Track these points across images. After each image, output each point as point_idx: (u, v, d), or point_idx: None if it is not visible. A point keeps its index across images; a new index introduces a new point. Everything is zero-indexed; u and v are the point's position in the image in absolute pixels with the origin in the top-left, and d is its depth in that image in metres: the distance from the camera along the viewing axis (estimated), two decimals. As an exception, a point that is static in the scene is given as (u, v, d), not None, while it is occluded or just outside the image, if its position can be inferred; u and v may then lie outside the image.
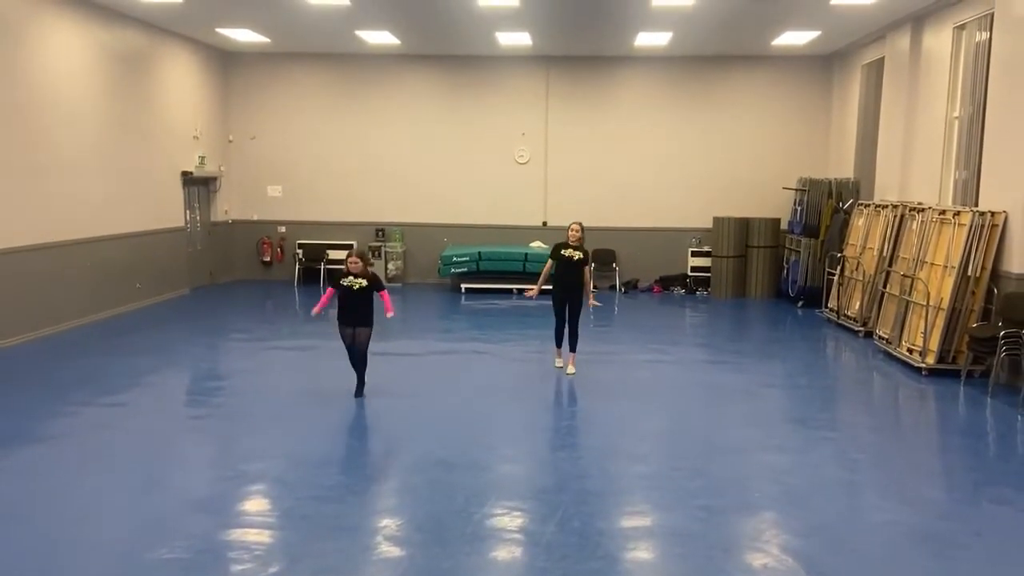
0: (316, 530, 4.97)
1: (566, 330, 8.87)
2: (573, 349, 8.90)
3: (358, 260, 7.64)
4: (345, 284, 7.65)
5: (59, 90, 10.87)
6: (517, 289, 14.68)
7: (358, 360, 7.85)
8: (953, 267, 9.15)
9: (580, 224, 8.78)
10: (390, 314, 7.99)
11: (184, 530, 4.95)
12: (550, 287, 9.04)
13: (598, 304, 10.27)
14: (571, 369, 8.87)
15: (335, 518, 5.16)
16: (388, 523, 5.18)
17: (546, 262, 9.05)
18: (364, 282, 7.64)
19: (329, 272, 15.14)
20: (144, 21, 12.71)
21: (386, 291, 7.94)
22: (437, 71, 15.75)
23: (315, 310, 7.97)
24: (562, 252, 8.74)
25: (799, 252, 14.00)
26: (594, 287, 11.78)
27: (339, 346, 7.98)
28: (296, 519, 5.16)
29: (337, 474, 5.99)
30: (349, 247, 15.75)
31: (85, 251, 11.39)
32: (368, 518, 5.26)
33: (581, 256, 8.71)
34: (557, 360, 9.09)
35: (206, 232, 15.41)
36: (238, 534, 4.98)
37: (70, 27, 11.08)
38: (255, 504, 5.53)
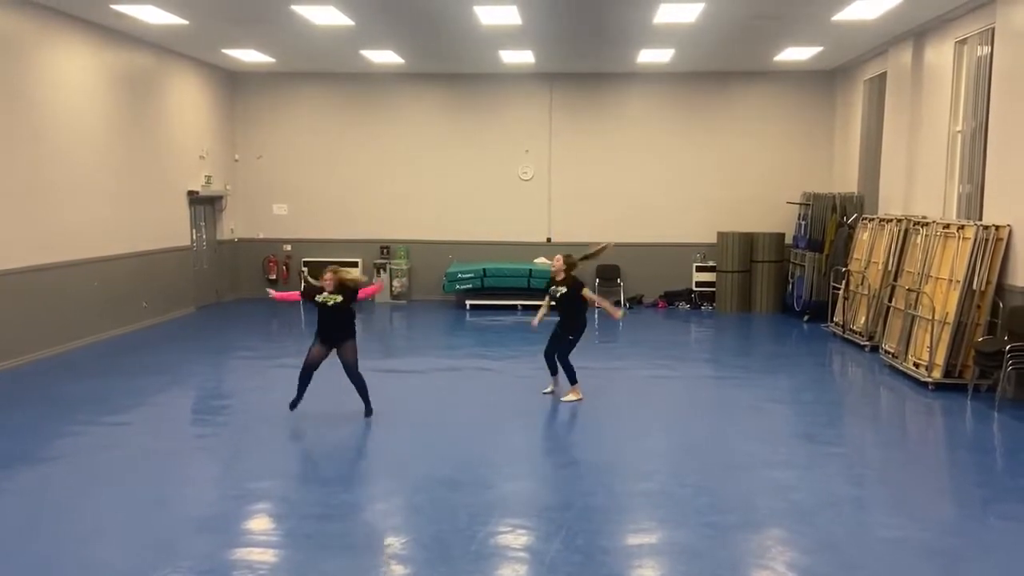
0: (320, 549, 4.97)
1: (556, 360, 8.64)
2: (572, 380, 8.56)
3: (332, 277, 7.52)
4: (319, 300, 7.56)
5: (67, 111, 10.97)
6: (522, 305, 14.71)
7: (353, 380, 7.69)
8: (958, 281, 9.12)
9: (562, 257, 8.58)
10: (375, 290, 8.22)
11: (189, 550, 4.95)
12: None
13: (618, 312, 9.25)
14: (568, 396, 8.54)
15: (339, 537, 5.16)
16: (392, 542, 5.16)
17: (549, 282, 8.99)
18: (339, 298, 7.52)
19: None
20: (151, 43, 12.83)
21: (364, 288, 7.93)
22: (441, 89, 15.85)
23: (274, 294, 8.27)
24: (551, 290, 8.66)
25: (804, 267, 13.99)
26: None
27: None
28: (300, 538, 5.16)
29: (341, 492, 5.98)
30: (354, 264, 15.86)
31: (92, 270, 11.45)
32: (372, 537, 5.25)
33: (565, 291, 8.51)
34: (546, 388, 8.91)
35: (212, 251, 15.48)
36: (243, 553, 4.98)
37: (78, 49, 11.19)
38: (259, 523, 5.54)
